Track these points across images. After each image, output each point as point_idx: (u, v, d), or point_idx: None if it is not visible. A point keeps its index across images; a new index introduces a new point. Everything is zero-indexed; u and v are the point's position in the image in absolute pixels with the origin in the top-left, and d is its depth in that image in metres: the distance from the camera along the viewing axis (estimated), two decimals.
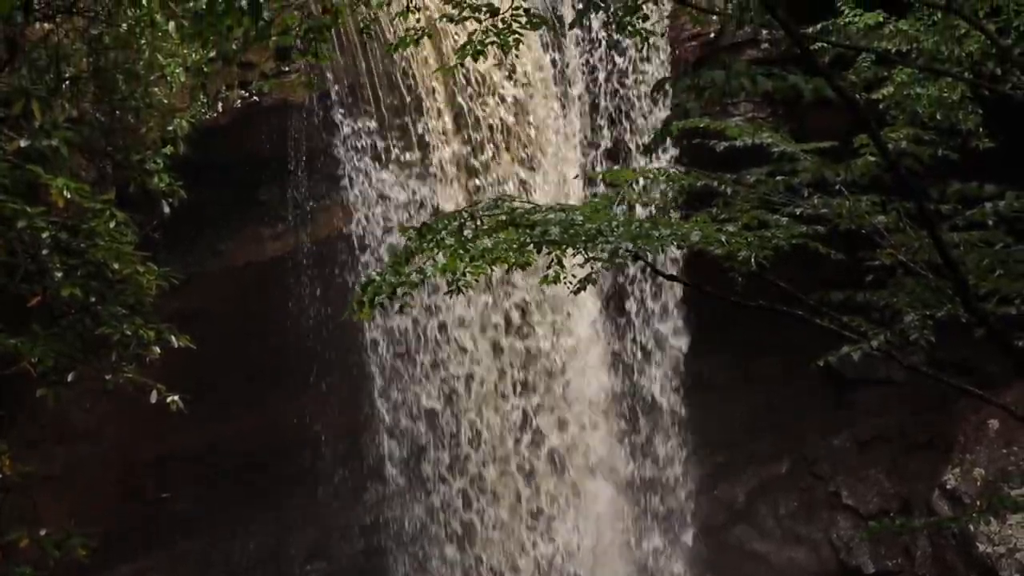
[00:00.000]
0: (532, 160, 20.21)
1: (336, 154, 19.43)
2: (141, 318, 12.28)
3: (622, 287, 22.03)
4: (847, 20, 15.10)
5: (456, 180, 19.76)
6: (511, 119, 19.92)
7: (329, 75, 18.85)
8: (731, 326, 20.52)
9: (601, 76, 20.69)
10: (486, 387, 20.96)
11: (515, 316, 20.90)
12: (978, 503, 20.22)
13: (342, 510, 23.07)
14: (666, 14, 19.96)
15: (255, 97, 18.22)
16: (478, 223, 9.23)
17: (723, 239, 9.41)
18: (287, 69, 18.39)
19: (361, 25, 11.96)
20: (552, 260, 9.35)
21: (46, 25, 13.11)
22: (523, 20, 10.33)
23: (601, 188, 19.13)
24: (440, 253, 8.85)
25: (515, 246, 8.90)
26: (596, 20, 19.64)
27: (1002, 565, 19.67)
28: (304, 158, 19.26)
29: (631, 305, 22.10)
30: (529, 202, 9.55)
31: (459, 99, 19.58)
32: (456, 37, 17.91)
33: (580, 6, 9.31)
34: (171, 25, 12.91)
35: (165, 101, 14.00)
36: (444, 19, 10.91)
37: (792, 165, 10.26)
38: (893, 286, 10.53)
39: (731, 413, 23.92)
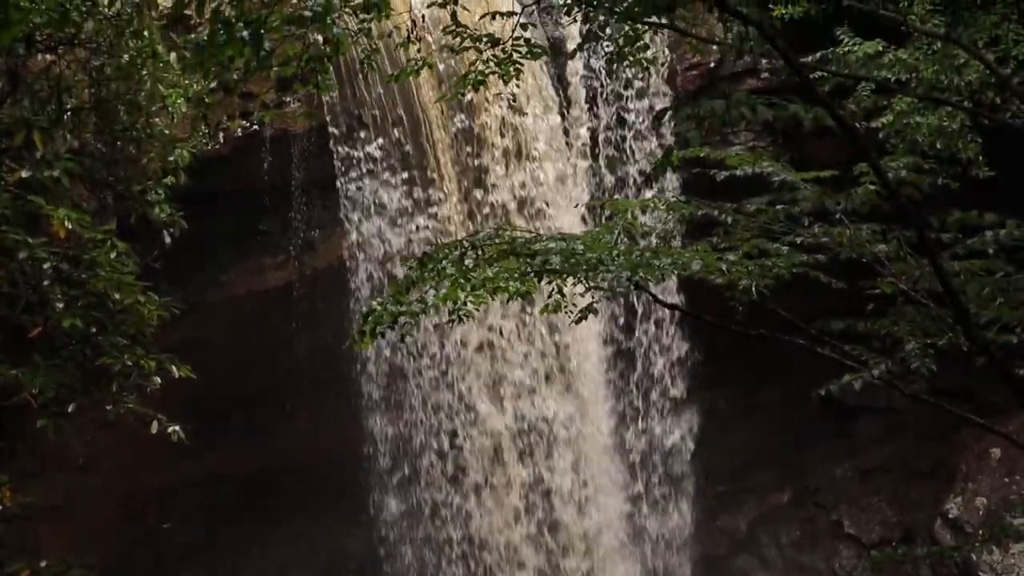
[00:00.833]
0: (535, 187, 20.21)
1: (336, 183, 19.44)
2: (142, 348, 12.29)
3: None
4: (846, 49, 15.15)
5: (457, 208, 19.77)
6: (513, 147, 19.94)
7: (330, 104, 18.89)
8: (732, 356, 20.50)
9: (603, 107, 20.70)
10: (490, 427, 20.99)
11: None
12: (980, 532, 20.17)
13: (344, 537, 23.02)
14: (666, 44, 20.00)
15: (256, 127, 18.25)
16: (479, 252, 9.24)
17: (724, 268, 9.42)
18: (288, 99, 18.43)
19: (362, 55, 11.96)
20: (553, 290, 9.37)
21: (48, 56, 13.16)
22: (523, 50, 10.35)
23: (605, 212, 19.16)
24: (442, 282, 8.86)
25: (516, 275, 8.91)
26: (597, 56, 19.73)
27: None
28: (305, 188, 19.29)
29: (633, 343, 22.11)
30: (530, 231, 9.56)
31: (459, 127, 19.60)
32: (456, 66, 17.93)
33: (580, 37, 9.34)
34: (172, 56, 12.98)
35: (166, 131, 14.03)
36: (445, 49, 10.94)
37: (792, 194, 10.28)
38: (894, 314, 10.53)
39: (732, 443, 23.89)
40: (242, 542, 22.36)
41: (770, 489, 24.82)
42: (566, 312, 9.78)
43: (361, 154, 19.39)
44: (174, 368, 12.37)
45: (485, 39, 10.12)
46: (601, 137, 20.68)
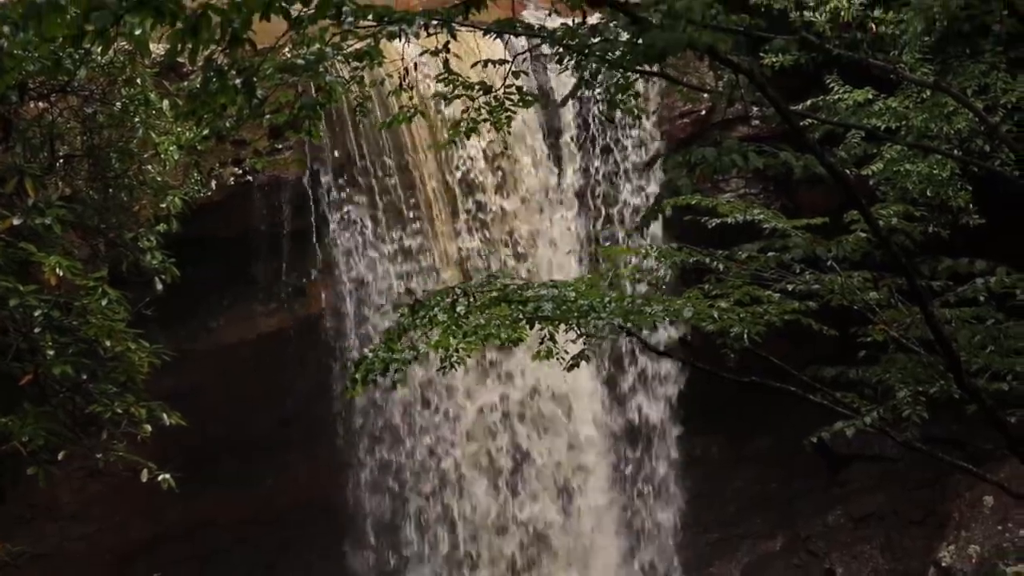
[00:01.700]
0: (525, 235, 20.28)
1: (328, 231, 19.49)
2: (133, 396, 12.23)
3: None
4: (837, 97, 15.22)
5: (447, 254, 19.82)
6: (503, 192, 20.04)
7: (322, 151, 18.95)
8: (724, 405, 20.50)
9: (593, 153, 20.78)
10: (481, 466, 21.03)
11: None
12: None
13: None
14: (657, 92, 20.08)
15: (248, 176, 18.29)
16: (471, 299, 9.24)
17: (715, 315, 9.42)
18: (280, 146, 18.49)
19: (355, 103, 11.98)
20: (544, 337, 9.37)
21: (41, 104, 13.20)
22: (515, 98, 10.38)
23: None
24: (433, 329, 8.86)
25: (508, 322, 8.90)
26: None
27: None
28: (295, 234, 19.33)
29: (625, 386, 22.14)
30: (521, 279, 9.57)
31: (450, 175, 19.68)
32: (448, 114, 18.01)
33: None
34: (165, 103, 13.01)
35: (159, 179, 14.02)
36: (437, 97, 10.96)
37: (783, 241, 10.29)
38: (885, 362, 10.55)
39: (724, 491, 23.87)
40: None
41: (762, 536, 24.70)
42: (558, 359, 9.76)
43: (352, 200, 19.45)
44: (165, 416, 12.31)
45: (477, 87, 10.14)
46: (591, 183, 20.74)
